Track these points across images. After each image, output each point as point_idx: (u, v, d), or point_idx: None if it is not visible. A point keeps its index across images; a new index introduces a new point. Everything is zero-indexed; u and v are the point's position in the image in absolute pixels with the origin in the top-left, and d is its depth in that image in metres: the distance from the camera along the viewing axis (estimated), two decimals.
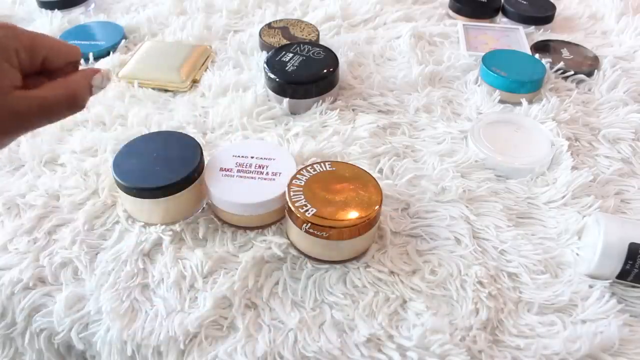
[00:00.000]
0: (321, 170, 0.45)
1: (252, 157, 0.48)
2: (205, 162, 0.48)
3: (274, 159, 0.48)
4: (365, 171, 0.45)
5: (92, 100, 0.60)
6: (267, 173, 0.46)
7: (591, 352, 0.39)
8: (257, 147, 0.50)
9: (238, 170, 0.47)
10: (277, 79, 0.58)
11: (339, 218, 0.41)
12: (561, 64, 0.65)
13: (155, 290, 0.42)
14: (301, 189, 0.43)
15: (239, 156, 0.48)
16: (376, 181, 0.44)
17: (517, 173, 0.52)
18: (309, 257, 0.44)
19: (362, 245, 0.43)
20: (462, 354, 0.38)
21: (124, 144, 0.48)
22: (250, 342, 0.39)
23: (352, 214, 0.41)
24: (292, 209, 0.42)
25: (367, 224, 0.41)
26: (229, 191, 0.45)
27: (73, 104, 0.37)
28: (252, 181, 0.46)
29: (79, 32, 0.72)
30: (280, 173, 0.46)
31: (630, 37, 0.74)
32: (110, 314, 0.41)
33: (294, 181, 0.44)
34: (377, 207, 0.42)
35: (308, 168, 0.45)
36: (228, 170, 0.47)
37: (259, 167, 0.47)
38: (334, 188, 0.43)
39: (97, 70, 0.38)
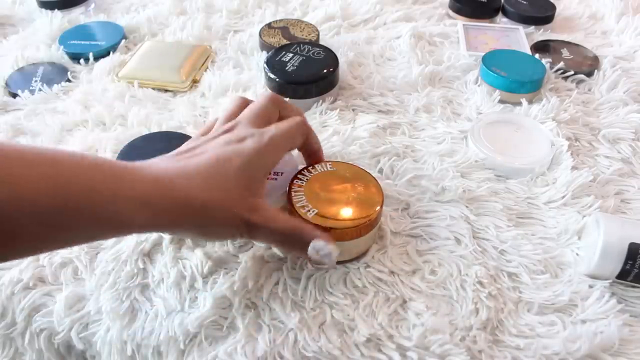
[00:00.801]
0: (322, 170, 0.45)
1: None
2: None
3: None
4: (366, 171, 0.45)
5: (92, 100, 0.60)
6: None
7: (591, 352, 0.39)
8: None
9: None
10: (277, 79, 0.58)
11: (340, 218, 0.41)
12: (561, 64, 0.65)
13: (155, 290, 0.42)
14: (302, 189, 0.43)
15: None
16: (377, 181, 0.44)
17: (517, 173, 0.52)
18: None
19: (363, 245, 0.43)
20: (462, 354, 0.38)
21: (125, 144, 0.49)
22: (250, 342, 0.39)
23: (353, 215, 0.41)
24: (293, 209, 0.42)
25: (368, 225, 0.41)
26: None
27: (291, 242, 0.39)
28: None
29: (79, 32, 0.72)
30: (280, 173, 0.46)
31: (630, 37, 0.74)
32: (110, 314, 0.41)
33: (295, 181, 0.44)
34: (378, 207, 0.42)
35: (309, 168, 0.45)
36: None
37: None
38: (335, 188, 0.43)
39: (330, 241, 0.39)
